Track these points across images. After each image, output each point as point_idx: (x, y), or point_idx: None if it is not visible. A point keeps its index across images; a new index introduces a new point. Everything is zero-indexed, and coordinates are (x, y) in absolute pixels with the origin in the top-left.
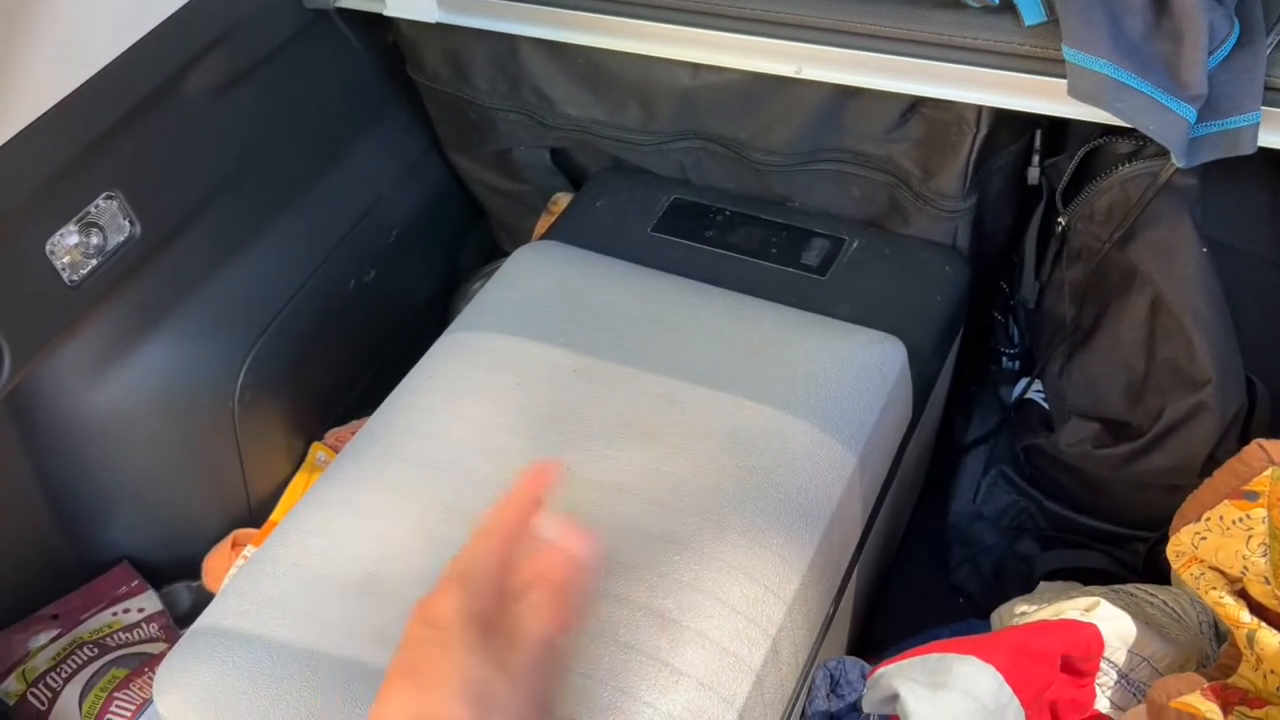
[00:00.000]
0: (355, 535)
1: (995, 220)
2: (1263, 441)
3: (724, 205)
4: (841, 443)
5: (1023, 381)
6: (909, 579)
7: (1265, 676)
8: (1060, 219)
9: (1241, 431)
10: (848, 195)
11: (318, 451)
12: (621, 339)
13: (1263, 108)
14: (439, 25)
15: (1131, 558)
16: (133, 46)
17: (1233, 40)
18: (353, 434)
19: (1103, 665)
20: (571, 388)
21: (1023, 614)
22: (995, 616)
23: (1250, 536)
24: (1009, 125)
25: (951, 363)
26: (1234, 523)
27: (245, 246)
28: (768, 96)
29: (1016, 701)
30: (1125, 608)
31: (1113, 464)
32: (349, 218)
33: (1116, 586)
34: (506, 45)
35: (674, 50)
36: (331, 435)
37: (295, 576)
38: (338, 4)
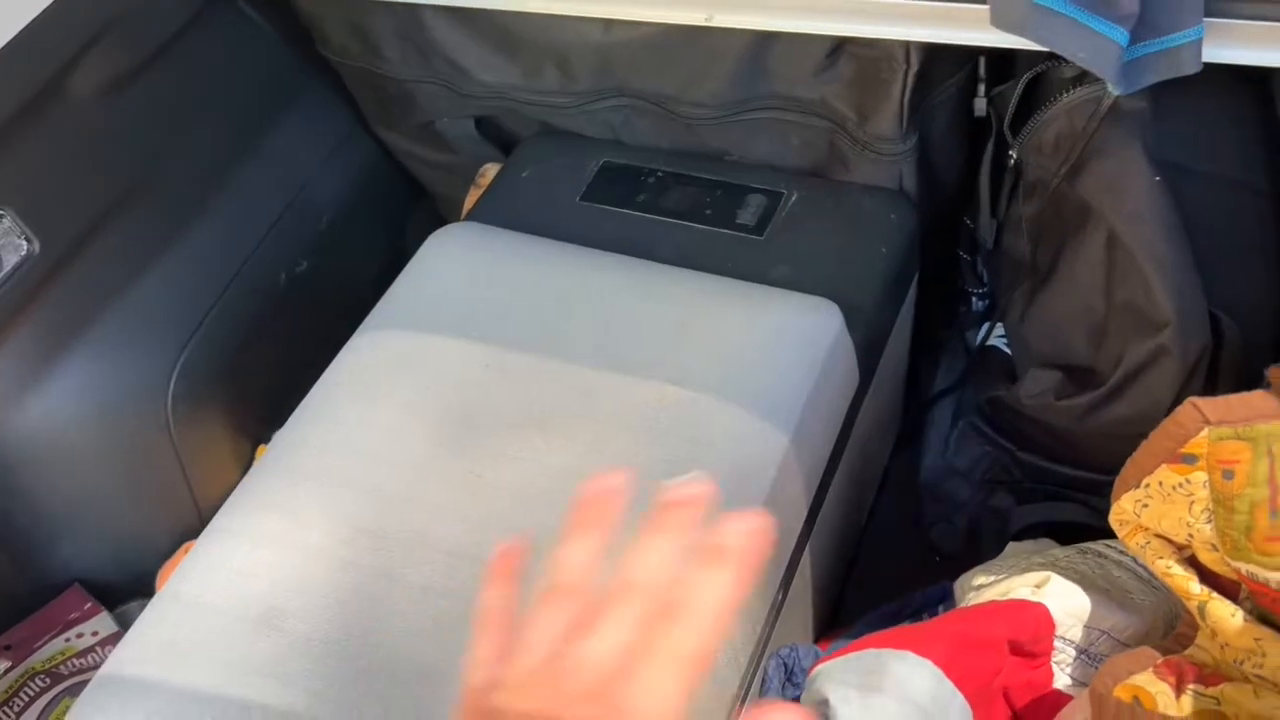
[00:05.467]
0: (256, 567)
1: (946, 158)
2: (1196, 400)
3: (657, 165)
4: (771, 423)
5: (985, 326)
6: (885, 539)
7: (1222, 648)
8: (1011, 152)
9: (1208, 374)
10: (786, 144)
11: (263, 454)
12: (540, 328)
13: (1206, 20)
14: None
15: (1108, 504)
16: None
17: None
18: None
19: (1059, 644)
20: (485, 386)
21: (980, 586)
22: (957, 587)
23: (1193, 502)
24: (946, 57)
25: (909, 313)
26: (1174, 488)
27: (161, 251)
28: (686, 47)
29: (960, 696)
30: (1088, 573)
31: (1075, 415)
32: (272, 209)
33: (1085, 546)
34: (410, 14)
35: (575, 6)
36: (272, 442)
37: (196, 615)
38: None
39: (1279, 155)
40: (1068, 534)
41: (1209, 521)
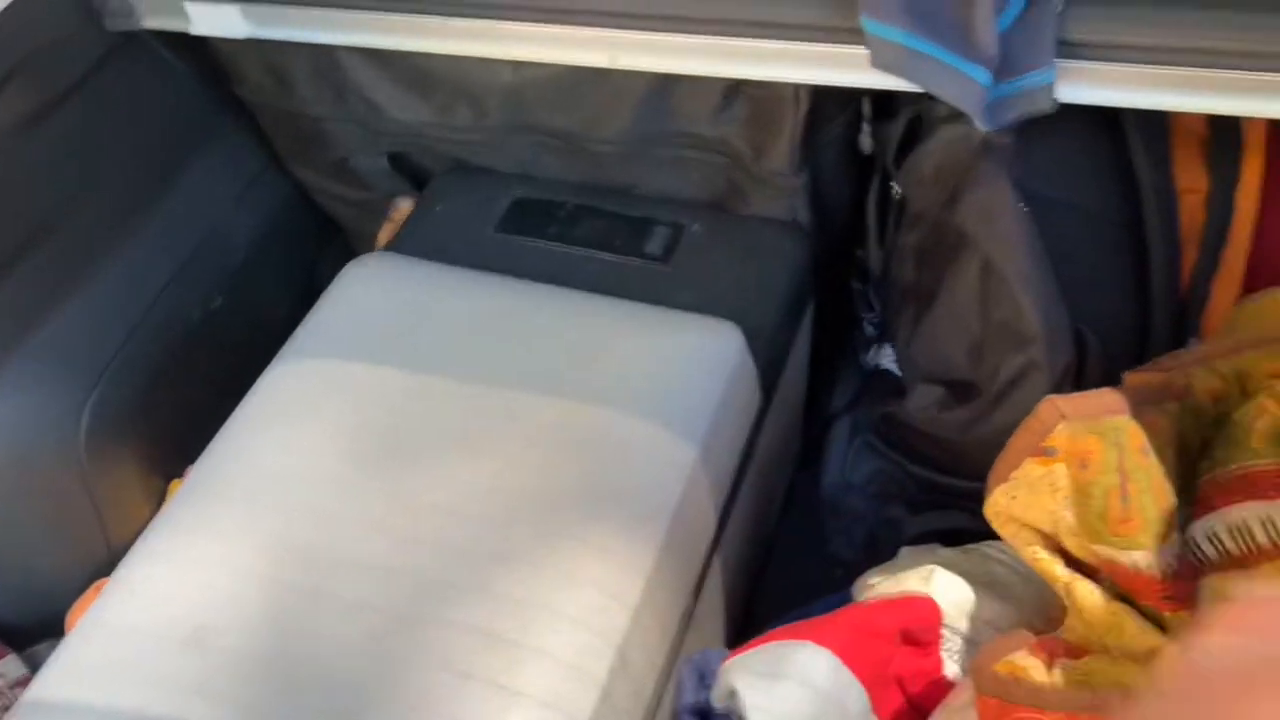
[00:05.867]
0: (182, 588)
1: (836, 191)
2: (1054, 397)
3: (567, 198)
4: (680, 437)
5: (874, 348)
6: (790, 555)
7: (1087, 626)
8: (895, 185)
9: (1075, 384)
10: (687, 179)
11: (180, 486)
12: (456, 352)
13: (1058, 63)
14: (251, 39)
15: None
16: None
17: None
18: None
19: (946, 633)
20: (405, 408)
21: (874, 585)
22: (855, 589)
23: (1055, 492)
24: (834, 97)
25: (806, 336)
26: (1039, 480)
27: (73, 287)
28: (592, 86)
29: (857, 682)
30: (971, 570)
31: (958, 426)
32: (187, 244)
33: (969, 547)
34: (326, 54)
35: (484, 48)
36: (191, 471)
37: (122, 638)
38: (143, 25)
39: (1130, 187)
40: (956, 541)
41: (1070, 509)
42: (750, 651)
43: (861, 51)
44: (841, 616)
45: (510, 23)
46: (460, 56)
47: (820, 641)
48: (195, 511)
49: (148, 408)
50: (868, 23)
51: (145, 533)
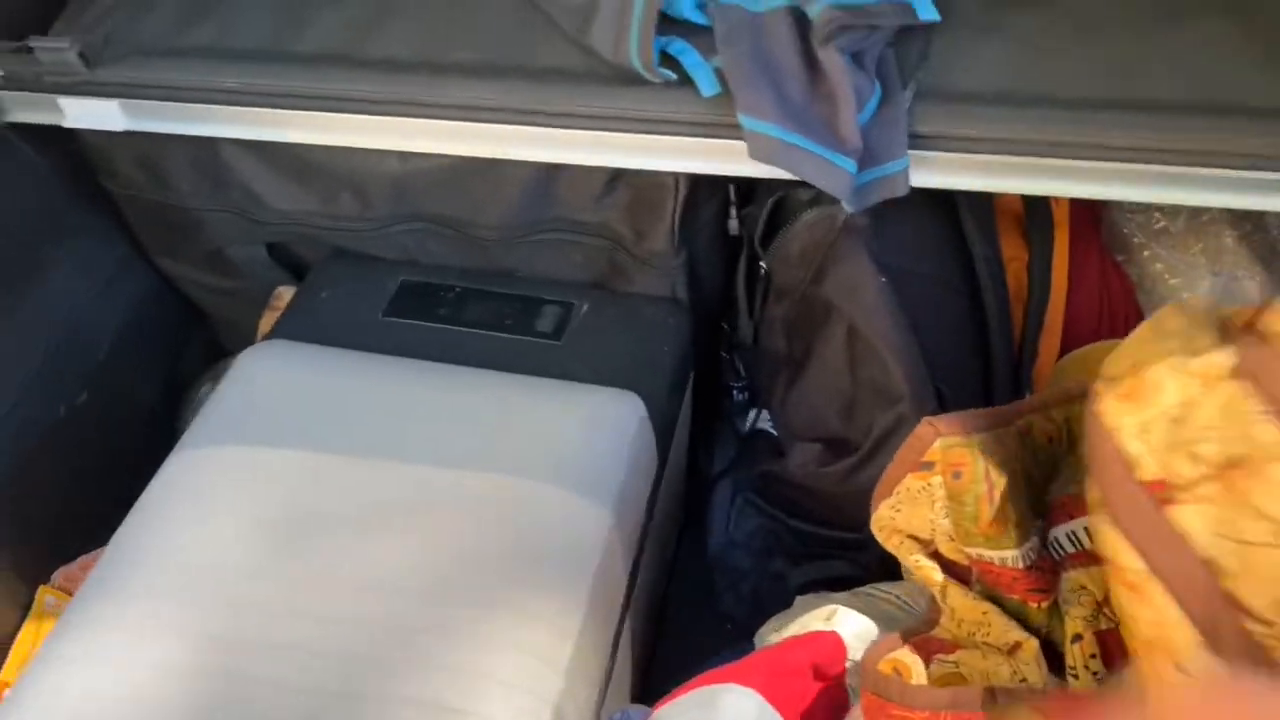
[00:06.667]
0: (98, 688)
1: (709, 270)
2: (930, 418)
3: (453, 282)
4: (596, 502)
5: (752, 412)
6: (682, 615)
7: (959, 625)
8: (762, 263)
9: None
10: (571, 262)
11: (45, 596)
12: (361, 432)
13: (910, 153)
14: (128, 132)
15: (870, 559)
16: None
17: (876, 98)
18: (85, 570)
19: (850, 666)
20: (315, 489)
21: (779, 629)
22: (758, 638)
23: (933, 502)
24: (705, 184)
25: (688, 405)
26: (919, 492)
27: None
28: (478, 176)
29: (780, 718)
30: (863, 608)
31: (836, 479)
32: (48, 342)
33: (856, 590)
34: (207, 146)
35: (377, 141)
36: (61, 575)
37: None
38: (8, 119)
39: (966, 258)
40: (835, 588)
41: (946, 516)
42: (682, 698)
43: (739, 144)
44: (757, 658)
45: (400, 118)
46: (346, 148)
47: (743, 682)
48: (106, 610)
49: (11, 510)
50: (745, 119)
51: (50, 637)
